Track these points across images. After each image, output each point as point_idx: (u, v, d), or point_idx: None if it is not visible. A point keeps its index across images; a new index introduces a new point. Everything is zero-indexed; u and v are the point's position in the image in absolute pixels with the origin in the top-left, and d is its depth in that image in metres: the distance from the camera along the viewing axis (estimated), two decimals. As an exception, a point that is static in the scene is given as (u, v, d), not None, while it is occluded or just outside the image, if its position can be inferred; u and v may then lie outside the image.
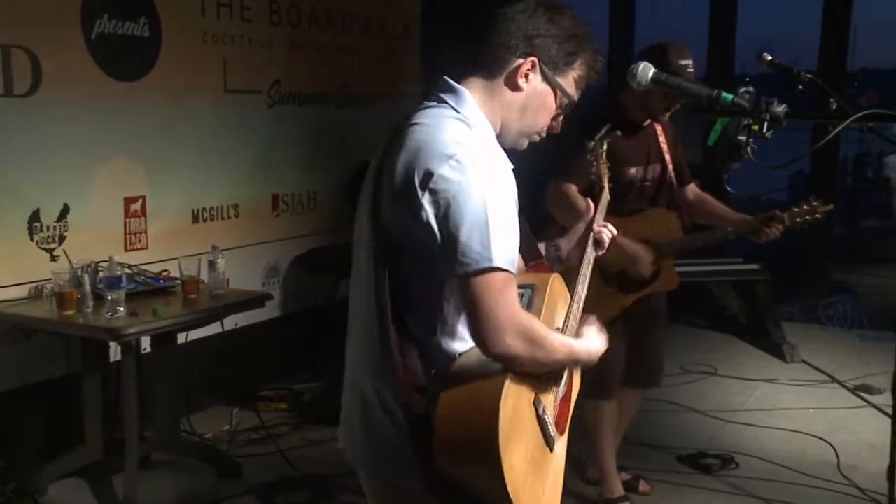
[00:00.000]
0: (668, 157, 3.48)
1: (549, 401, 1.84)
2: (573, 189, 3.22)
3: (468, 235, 1.60)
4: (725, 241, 3.53)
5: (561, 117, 1.88)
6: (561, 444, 1.92)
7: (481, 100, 1.79)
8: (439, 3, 6.12)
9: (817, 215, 3.31)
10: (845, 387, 5.23)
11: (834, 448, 4.26)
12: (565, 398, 1.95)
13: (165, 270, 4.24)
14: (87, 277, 3.55)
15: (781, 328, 6.10)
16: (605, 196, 2.53)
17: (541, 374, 1.75)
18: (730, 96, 1.92)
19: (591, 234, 2.20)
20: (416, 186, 1.64)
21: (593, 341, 1.88)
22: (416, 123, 1.72)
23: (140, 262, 4.12)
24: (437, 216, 1.62)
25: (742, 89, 1.92)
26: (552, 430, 1.82)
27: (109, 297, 3.43)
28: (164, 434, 4.10)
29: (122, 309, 3.45)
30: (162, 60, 4.35)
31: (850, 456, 4.17)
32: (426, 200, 1.62)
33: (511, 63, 1.78)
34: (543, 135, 1.88)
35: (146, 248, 4.32)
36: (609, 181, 2.65)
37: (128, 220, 4.25)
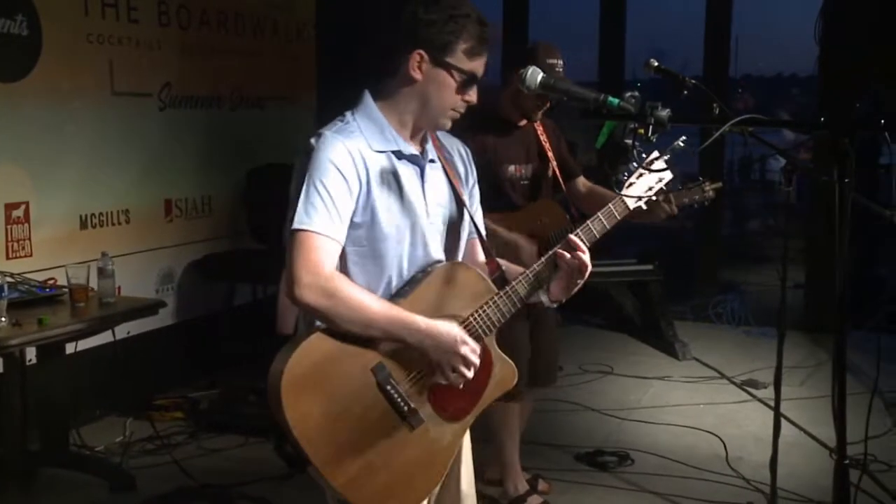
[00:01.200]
0: (550, 154, 3.57)
1: (411, 375, 1.98)
2: None
3: (291, 204, 1.93)
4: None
5: (473, 90, 2.07)
6: (447, 429, 2.04)
7: (387, 100, 2.06)
8: (335, 6, 6.10)
9: (706, 193, 3.29)
10: (733, 382, 5.43)
11: (723, 441, 4.42)
12: (465, 388, 2.03)
13: (52, 279, 4.10)
14: (-35, 287, 3.40)
15: (674, 327, 6.28)
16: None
17: (365, 335, 1.92)
18: (615, 100, 1.98)
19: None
20: None
21: (445, 329, 1.96)
22: None
23: (24, 270, 3.98)
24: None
25: (628, 94, 1.99)
26: (411, 407, 1.96)
27: (-10, 308, 3.30)
28: (51, 449, 3.96)
29: (3, 319, 3.32)
30: (43, 61, 4.21)
31: (737, 448, 4.33)
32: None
33: (404, 60, 2.02)
34: (461, 110, 2.09)
35: (30, 255, 4.18)
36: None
37: (9, 227, 4.10)
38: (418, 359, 1.98)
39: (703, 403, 5.08)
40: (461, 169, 2.24)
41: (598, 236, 2.26)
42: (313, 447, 1.85)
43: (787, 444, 3.95)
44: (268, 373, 1.89)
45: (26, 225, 4.17)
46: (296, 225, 1.90)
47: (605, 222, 2.28)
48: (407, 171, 2.07)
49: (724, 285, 7.58)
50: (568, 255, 2.10)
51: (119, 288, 4.02)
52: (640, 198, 2.51)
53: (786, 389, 3.16)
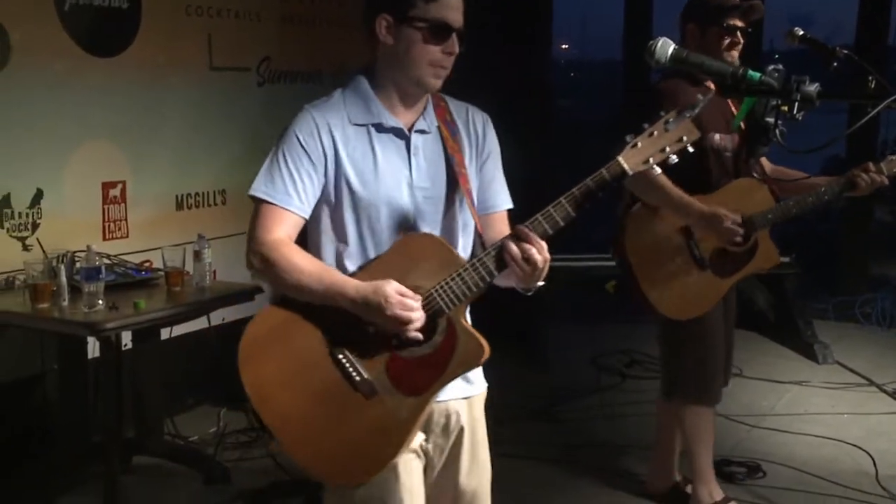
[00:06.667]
0: (743, 125, 3.32)
1: (365, 345, 2.12)
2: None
3: None
4: (820, 204, 3.33)
5: (451, 40, 2.13)
6: (404, 403, 2.13)
7: (374, 76, 2.21)
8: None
9: None
10: (884, 390, 5.23)
11: (871, 456, 4.26)
12: (425, 362, 2.13)
13: (148, 261, 4.25)
14: (62, 268, 3.56)
15: (813, 326, 6.09)
16: None
17: (314, 300, 2.10)
18: (757, 74, 1.92)
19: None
20: None
21: (371, 290, 2.06)
22: None
23: (120, 251, 4.14)
24: None
25: (770, 67, 1.92)
26: (364, 377, 2.11)
27: (87, 290, 3.44)
28: (146, 437, 4.12)
29: (100, 302, 3.46)
30: (142, 34, 4.36)
31: (889, 465, 4.17)
32: None
33: (374, 30, 2.16)
34: (444, 64, 2.15)
35: (126, 236, 4.35)
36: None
37: (106, 207, 4.27)
38: (371, 328, 2.12)
39: (848, 413, 4.91)
40: (468, 141, 2.30)
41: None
42: (264, 409, 2.14)
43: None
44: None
45: (123, 205, 4.34)
46: (251, 191, 2.17)
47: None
48: (389, 146, 2.20)
49: (875, 281, 7.28)
50: (514, 247, 2.05)
51: (215, 272, 4.14)
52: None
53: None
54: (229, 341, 4.55)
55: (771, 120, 1.93)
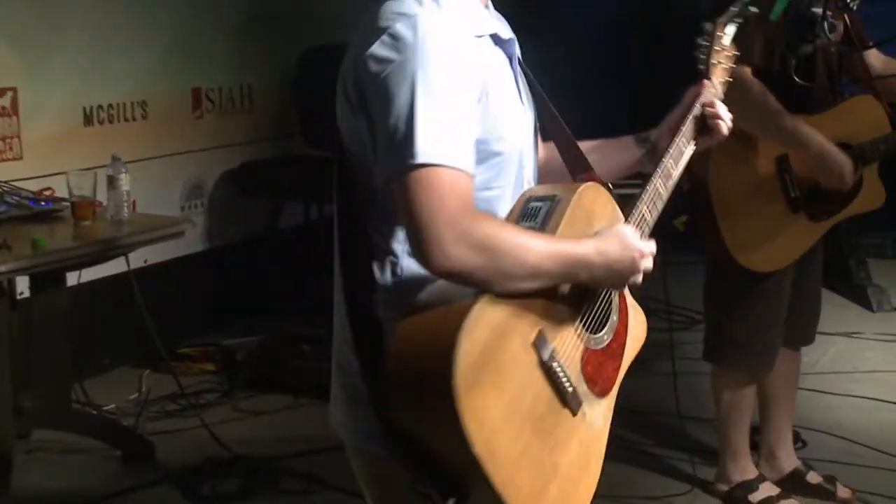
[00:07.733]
0: (847, 19, 3.10)
1: (567, 342, 1.85)
2: (745, 71, 2.98)
3: (394, 128, 1.70)
4: None
5: None
6: (599, 408, 1.93)
7: None
8: None
9: None
10: (950, 343, 5.29)
11: (932, 422, 4.32)
12: (610, 351, 1.96)
13: (48, 189, 4.21)
14: (-61, 198, 3.53)
15: (867, 266, 6.15)
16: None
17: (543, 295, 1.78)
18: (802, -47, 1.91)
19: (693, 116, 2.11)
20: (352, 72, 1.78)
21: (615, 239, 1.86)
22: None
23: (12, 177, 4.09)
24: (366, 107, 1.76)
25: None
26: (573, 386, 1.84)
27: (-29, 225, 3.42)
28: (48, 405, 4.10)
29: (-12, 240, 3.43)
30: None
31: (953, 433, 4.22)
32: (359, 87, 1.77)
33: None
34: None
35: (20, 158, 4.31)
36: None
37: (-8, 121, 4.21)
38: (573, 312, 1.87)
39: (907, 371, 4.96)
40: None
41: None
42: (497, 463, 1.68)
43: None
44: (393, 358, 1.74)
45: (14, 118, 4.28)
46: (420, 159, 1.68)
47: None
48: (504, 65, 1.96)
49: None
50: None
51: (134, 203, 4.11)
52: None
53: None
54: (153, 287, 4.60)
55: (818, 10, 1.90)
